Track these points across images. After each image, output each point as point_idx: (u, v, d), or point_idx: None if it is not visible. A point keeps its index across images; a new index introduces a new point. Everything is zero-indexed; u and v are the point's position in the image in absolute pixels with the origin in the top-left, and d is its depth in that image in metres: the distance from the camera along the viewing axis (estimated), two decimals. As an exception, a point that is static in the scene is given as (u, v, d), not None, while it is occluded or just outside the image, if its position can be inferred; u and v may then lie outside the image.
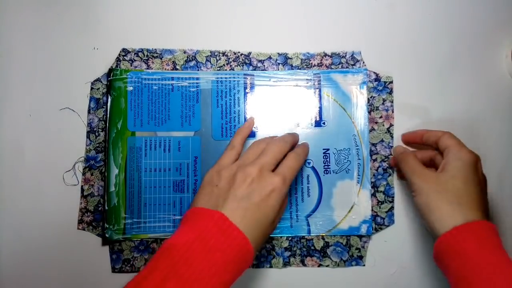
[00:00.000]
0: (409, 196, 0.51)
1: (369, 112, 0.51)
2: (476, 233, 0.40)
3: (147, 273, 0.35)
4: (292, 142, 0.45)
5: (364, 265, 0.50)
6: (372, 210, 0.50)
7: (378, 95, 0.52)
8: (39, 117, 0.50)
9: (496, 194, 0.52)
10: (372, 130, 0.51)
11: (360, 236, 0.50)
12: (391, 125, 0.51)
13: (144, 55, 0.51)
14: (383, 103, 0.52)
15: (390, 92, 0.52)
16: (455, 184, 0.42)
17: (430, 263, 0.50)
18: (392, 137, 0.51)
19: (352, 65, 0.52)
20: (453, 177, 0.43)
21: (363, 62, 0.52)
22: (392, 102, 0.52)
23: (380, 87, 0.52)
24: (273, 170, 0.42)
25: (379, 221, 0.51)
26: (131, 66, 0.51)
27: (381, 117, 0.51)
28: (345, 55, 0.52)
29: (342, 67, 0.52)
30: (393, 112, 0.52)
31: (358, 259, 0.50)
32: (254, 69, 0.51)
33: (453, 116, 0.52)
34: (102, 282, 0.49)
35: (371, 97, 0.51)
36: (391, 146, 0.51)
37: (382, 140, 0.51)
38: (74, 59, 0.51)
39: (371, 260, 0.50)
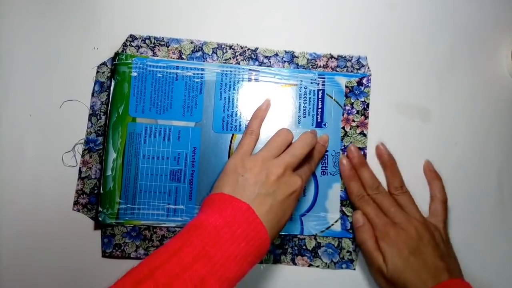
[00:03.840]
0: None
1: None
2: None
3: (179, 247, 0.36)
4: (314, 144, 0.47)
5: (354, 269, 0.50)
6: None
7: (356, 99, 0.52)
8: (39, 117, 0.50)
9: (495, 194, 0.52)
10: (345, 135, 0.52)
11: (353, 240, 0.50)
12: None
13: (151, 42, 0.51)
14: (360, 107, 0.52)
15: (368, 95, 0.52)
16: (402, 281, 0.44)
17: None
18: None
19: (357, 69, 0.52)
20: (396, 274, 0.44)
21: (368, 68, 0.52)
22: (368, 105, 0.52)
23: (358, 91, 0.52)
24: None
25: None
26: (137, 52, 0.51)
27: (353, 120, 0.52)
28: (351, 59, 0.52)
29: (347, 70, 0.52)
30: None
31: (348, 262, 0.50)
32: (260, 65, 0.51)
33: (453, 116, 0.52)
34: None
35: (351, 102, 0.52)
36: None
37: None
38: (74, 58, 0.51)
39: (363, 263, 0.50)
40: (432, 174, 0.51)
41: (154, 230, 0.49)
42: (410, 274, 0.44)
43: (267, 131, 0.50)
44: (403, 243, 0.45)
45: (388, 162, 0.50)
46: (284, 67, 0.52)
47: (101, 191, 0.48)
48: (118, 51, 0.51)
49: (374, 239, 0.47)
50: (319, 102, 0.51)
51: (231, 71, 0.51)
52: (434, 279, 0.43)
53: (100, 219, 0.48)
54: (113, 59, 0.50)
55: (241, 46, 0.52)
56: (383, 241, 0.46)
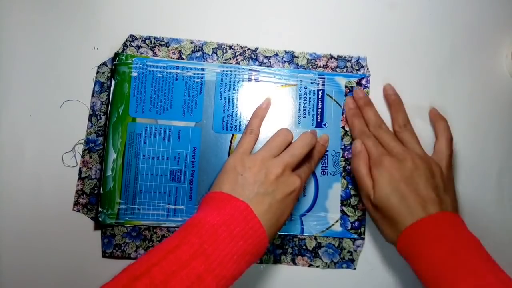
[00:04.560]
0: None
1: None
2: (422, 234, 0.41)
3: (176, 245, 0.36)
4: (314, 144, 0.47)
5: (355, 269, 0.50)
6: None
7: None
8: (39, 117, 0.50)
9: (495, 194, 0.52)
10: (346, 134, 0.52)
11: (353, 240, 0.50)
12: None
13: (151, 42, 0.51)
14: None
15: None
16: (388, 207, 0.43)
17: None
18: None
19: (357, 70, 0.52)
20: (382, 200, 0.43)
21: (368, 68, 0.52)
22: None
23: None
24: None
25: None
26: (137, 52, 0.51)
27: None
28: (351, 60, 0.52)
29: (346, 71, 0.52)
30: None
31: (349, 262, 0.50)
32: (260, 65, 0.51)
33: (453, 116, 0.52)
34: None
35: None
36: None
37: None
38: (74, 58, 0.51)
39: (365, 262, 0.50)
40: (436, 116, 0.51)
41: (154, 230, 0.49)
42: (397, 201, 0.42)
43: (267, 131, 0.50)
44: (396, 170, 0.43)
45: (395, 101, 0.51)
46: (284, 67, 0.52)
47: (101, 192, 0.48)
48: (118, 51, 0.50)
49: (367, 166, 0.46)
50: (319, 102, 0.51)
51: (231, 71, 0.51)
52: (423, 209, 0.41)
53: (100, 219, 0.48)
54: (113, 59, 0.50)
55: (241, 46, 0.52)
56: (375, 168, 0.45)
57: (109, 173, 0.49)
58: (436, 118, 0.51)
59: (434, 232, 0.40)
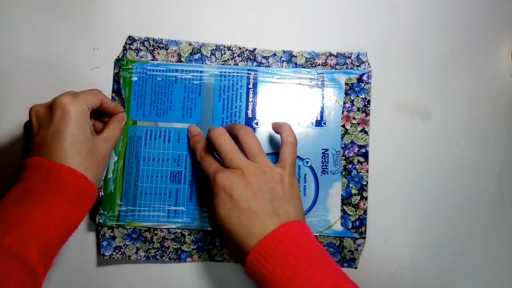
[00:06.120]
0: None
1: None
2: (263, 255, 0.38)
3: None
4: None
5: (356, 268, 0.49)
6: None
7: (357, 96, 0.51)
8: None
9: (495, 194, 0.51)
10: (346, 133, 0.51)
11: (354, 239, 0.50)
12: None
13: (150, 44, 0.51)
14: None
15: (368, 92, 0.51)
16: (227, 231, 0.40)
17: (432, 263, 0.50)
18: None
19: (357, 66, 0.52)
20: (221, 223, 0.41)
21: (368, 64, 0.52)
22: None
23: (358, 88, 0.51)
24: None
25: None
26: (137, 56, 0.51)
27: (354, 118, 0.51)
28: (351, 56, 0.52)
29: (347, 67, 0.52)
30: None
31: (350, 261, 0.50)
32: (258, 65, 0.52)
33: (453, 116, 0.52)
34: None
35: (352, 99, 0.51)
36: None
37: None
38: (74, 58, 0.51)
39: (366, 262, 0.50)
40: (278, 124, 0.47)
41: (155, 232, 0.50)
42: (236, 223, 0.40)
43: (267, 131, 0.50)
44: (232, 188, 0.41)
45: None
46: (282, 67, 0.52)
47: (102, 194, 0.49)
48: (119, 56, 0.51)
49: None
50: (318, 100, 0.51)
51: (229, 72, 0.51)
52: (262, 228, 0.39)
53: (101, 221, 0.49)
54: (114, 65, 0.51)
55: (239, 47, 0.52)
56: (212, 187, 0.42)
57: (110, 175, 0.49)
58: (278, 126, 0.46)
59: (275, 251, 0.37)
